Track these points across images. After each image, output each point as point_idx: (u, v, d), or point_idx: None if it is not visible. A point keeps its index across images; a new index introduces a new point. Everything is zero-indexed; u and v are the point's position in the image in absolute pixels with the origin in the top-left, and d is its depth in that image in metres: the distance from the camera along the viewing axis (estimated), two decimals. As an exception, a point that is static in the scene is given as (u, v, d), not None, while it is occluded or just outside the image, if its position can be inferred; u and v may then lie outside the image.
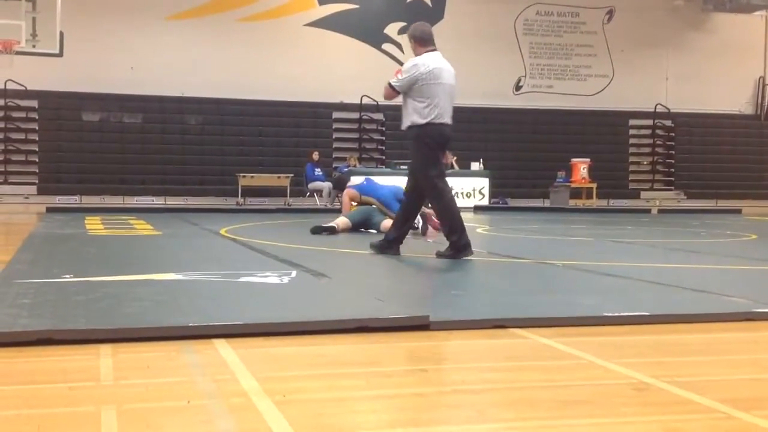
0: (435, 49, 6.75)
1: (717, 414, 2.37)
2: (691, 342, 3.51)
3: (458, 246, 6.50)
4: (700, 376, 2.87)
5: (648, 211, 19.61)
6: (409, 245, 8.32)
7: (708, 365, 3.08)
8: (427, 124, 6.57)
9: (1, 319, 3.45)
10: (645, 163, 24.72)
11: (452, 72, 6.76)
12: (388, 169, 19.63)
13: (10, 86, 19.85)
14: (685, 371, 2.92)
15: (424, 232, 9.22)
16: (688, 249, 8.32)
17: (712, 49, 24.61)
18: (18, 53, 16.98)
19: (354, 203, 10.20)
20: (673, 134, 24.68)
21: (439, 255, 6.56)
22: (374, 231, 9.40)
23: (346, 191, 10.46)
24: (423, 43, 6.75)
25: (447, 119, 6.65)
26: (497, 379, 2.80)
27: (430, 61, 6.62)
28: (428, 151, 6.64)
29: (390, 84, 6.71)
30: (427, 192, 6.77)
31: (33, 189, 19.97)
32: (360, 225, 9.72)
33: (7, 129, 20.28)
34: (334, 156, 21.97)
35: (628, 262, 6.61)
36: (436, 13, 22.99)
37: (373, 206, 9.91)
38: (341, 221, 9.61)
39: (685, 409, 2.44)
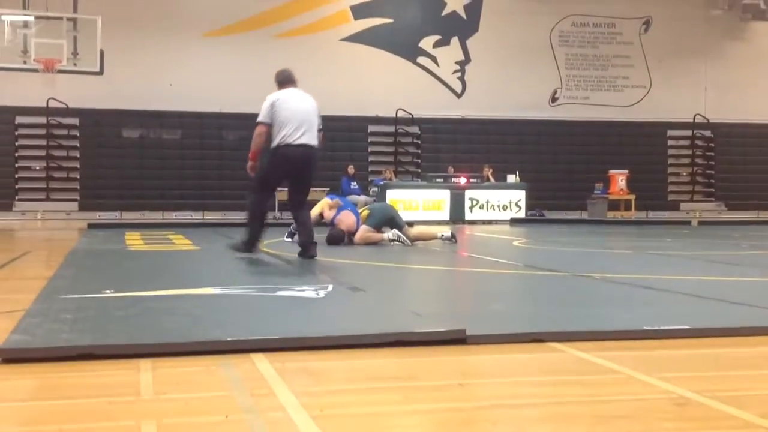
0: (293, 86, 7.89)
1: (758, 429, 2.34)
2: (732, 356, 3.46)
3: (247, 246, 7.82)
4: (741, 390, 2.83)
5: (688, 222, 19.36)
6: (445, 258, 8.31)
7: (749, 379, 3.03)
8: (276, 146, 7.64)
9: (44, 335, 3.51)
10: (684, 174, 24.45)
11: (307, 100, 7.84)
12: (424, 182, 19.65)
13: (52, 104, 20.23)
14: (725, 386, 2.89)
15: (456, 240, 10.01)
16: (729, 261, 8.20)
17: (751, 58, 24.29)
18: (60, 72, 17.30)
19: (365, 211, 10.19)
20: (712, 145, 24.39)
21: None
22: (398, 237, 9.49)
23: (361, 229, 9.86)
24: (281, 85, 7.91)
25: (296, 140, 7.59)
26: (535, 393, 2.78)
27: (280, 94, 7.73)
28: (271, 169, 7.84)
29: (256, 124, 7.73)
30: (248, 199, 8.28)
31: (74, 205, 20.32)
32: (382, 226, 9.80)
33: (49, 146, 20.67)
34: (369, 169, 22.06)
35: (667, 275, 6.54)
36: (471, 26, 23.01)
37: (384, 204, 10.42)
38: (370, 236, 9.63)
39: (725, 424, 2.40)
